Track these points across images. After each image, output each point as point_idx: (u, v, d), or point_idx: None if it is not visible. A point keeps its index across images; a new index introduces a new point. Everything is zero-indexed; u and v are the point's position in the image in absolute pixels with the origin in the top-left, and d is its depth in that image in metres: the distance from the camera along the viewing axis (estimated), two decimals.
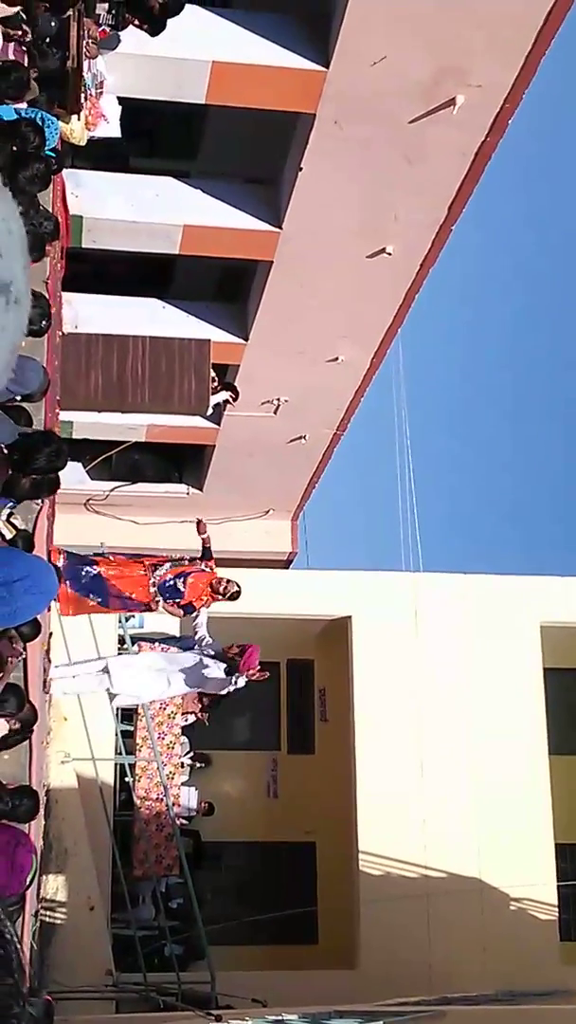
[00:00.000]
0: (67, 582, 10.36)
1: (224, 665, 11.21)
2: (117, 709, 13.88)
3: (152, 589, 10.67)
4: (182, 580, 10.79)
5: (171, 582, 10.75)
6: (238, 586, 11.08)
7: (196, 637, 11.30)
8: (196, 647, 11.36)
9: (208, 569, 10.98)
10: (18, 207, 1.69)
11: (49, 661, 11.06)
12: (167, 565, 10.81)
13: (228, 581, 11.07)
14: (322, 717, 16.98)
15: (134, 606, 11.03)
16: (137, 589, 10.67)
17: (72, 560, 10.57)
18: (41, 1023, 5.75)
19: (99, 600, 10.64)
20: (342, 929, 15.08)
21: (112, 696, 11.57)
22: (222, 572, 11.19)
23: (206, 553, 11.09)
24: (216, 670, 11.19)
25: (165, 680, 11.34)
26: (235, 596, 11.07)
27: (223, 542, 13.00)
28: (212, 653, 11.24)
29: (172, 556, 11.13)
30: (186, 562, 10.95)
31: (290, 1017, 8.64)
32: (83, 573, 10.51)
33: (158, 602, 10.76)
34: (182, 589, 10.79)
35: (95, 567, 10.58)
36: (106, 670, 11.41)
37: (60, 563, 10.21)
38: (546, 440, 49.74)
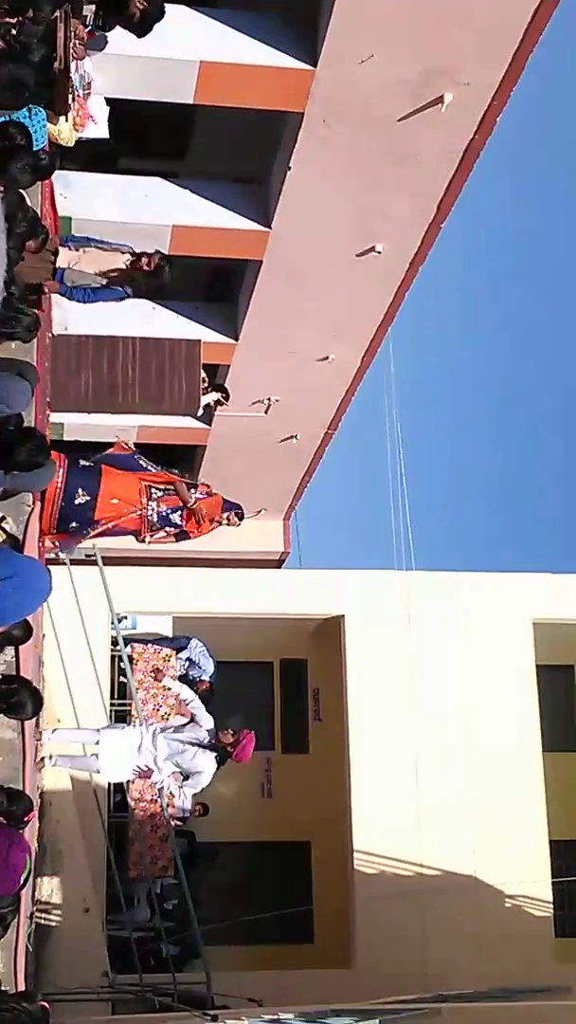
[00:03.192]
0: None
1: (215, 754, 11.40)
2: (111, 711, 13.90)
3: (147, 516, 10.51)
4: (178, 513, 10.67)
5: (165, 513, 10.61)
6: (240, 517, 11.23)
7: (187, 722, 11.54)
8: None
9: (204, 496, 10.86)
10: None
11: (40, 732, 11.14)
12: (161, 492, 10.62)
13: (230, 516, 11.14)
14: (316, 716, 16.96)
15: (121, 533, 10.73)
16: (129, 517, 10.47)
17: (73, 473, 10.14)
18: None
19: (82, 531, 10.26)
20: (337, 928, 15.07)
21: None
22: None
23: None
24: (206, 761, 11.38)
25: (152, 761, 11.48)
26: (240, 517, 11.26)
27: (214, 542, 12.99)
28: (205, 738, 11.39)
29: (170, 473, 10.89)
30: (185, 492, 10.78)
31: (286, 1016, 8.61)
32: (77, 492, 10.07)
33: (151, 527, 10.57)
34: (179, 522, 10.68)
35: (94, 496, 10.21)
36: (95, 755, 11.61)
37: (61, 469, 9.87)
38: (537, 437, 49.83)
